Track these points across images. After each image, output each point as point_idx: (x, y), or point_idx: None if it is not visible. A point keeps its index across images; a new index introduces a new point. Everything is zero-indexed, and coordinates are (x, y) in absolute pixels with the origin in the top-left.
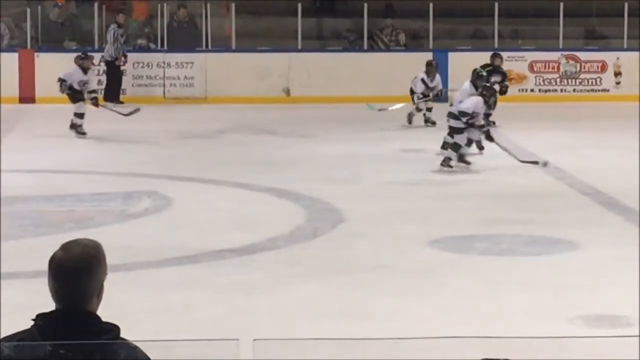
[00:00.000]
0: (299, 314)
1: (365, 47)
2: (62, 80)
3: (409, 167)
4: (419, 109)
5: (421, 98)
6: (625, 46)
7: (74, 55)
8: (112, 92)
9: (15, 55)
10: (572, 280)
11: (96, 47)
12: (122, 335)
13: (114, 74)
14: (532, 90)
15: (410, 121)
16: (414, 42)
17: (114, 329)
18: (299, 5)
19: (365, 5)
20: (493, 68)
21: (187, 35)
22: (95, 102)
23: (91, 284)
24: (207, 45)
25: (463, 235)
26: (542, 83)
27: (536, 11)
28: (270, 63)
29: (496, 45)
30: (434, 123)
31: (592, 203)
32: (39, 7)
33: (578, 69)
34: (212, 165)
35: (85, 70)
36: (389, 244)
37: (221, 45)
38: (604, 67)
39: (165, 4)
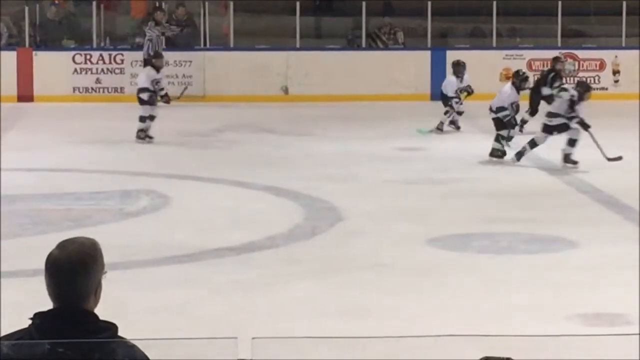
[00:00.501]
0: (297, 312)
1: (364, 45)
2: (142, 90)
3: (407, 165)
4: (459, 113)
5: (458, 101)
6: (623, 44)
7: (72, 53)
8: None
9: (14, 53)
10: (571, 279)
11: (94, 45)
12: (121, 333)
13: None
14: (530, 89)
15: (441, 129)
16: (412, 41)
17: (111, 327)
18: (298, 3)
19: (364, 3)
20: (555, 73)
21: (185, 33)
22: (167, 100)
23: (87, 283)
24: (205, 44)
25: (462, 234)
26: None
27: (534, 9)
28: (268, 61)
29: (494, 44)
30: (458, 127)
31: (591, 201)
32: (37, 6)
33: (576, 67)
34: (211, 164)
35: (157, 69)
36: (388, 243)
37: (220, 43)
38: (602, 66)
39: (163, 3)
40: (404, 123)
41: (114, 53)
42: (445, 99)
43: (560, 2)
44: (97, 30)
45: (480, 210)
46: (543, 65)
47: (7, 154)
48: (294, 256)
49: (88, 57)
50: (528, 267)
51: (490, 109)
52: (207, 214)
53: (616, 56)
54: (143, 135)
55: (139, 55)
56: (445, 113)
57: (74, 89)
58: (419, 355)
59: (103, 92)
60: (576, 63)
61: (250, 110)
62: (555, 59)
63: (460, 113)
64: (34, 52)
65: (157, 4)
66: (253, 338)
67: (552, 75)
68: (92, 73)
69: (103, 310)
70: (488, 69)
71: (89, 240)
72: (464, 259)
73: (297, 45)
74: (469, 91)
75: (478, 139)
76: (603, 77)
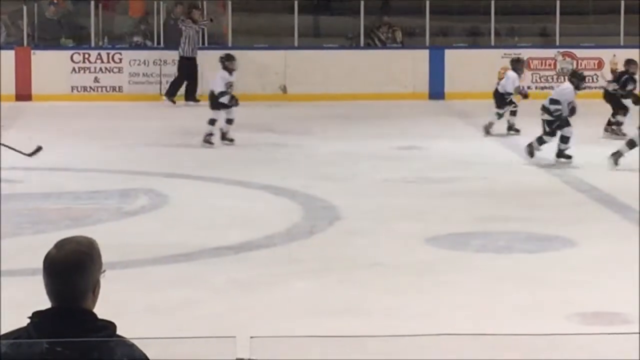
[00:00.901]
0: (296, 311)
1: (362, 44)
2: (221, 94)
3: (405, 164)
4: (513, 113)
5: (510, 101)
6: (621, 43)
7: (70, 52)
8: (190, 90)
9: (12, 52)
10: (569, 277)
11: (92, 44)
12: (119, 332)
13: (190, 71)
14: (528, 88)
15: (488, 131)
16: (411, 40)
17: (109, 326)
18: (296, 2)
19: (362, 2)
20: (629, 76)
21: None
22: (236, 102)
23: (84, 282)
24: (203, 43)
25: (460, 233)
26: (538, 80)
27: (532, 8)
28: (267, 61)
29: (492, 43)
30: (517, 131)
31: (589, 200)
32: (35, 5)
33: (575, 66)
34: (209, 163)
35: (230, 72)
36: (386, 242)
37: (218, 42)
38: (600, 64)
39: (161, 2)
40: (402, 122)
41: (112, 52)
42: (501, 98)
43: (558, 2)
44: (95, 29)
45: (479, 209)
46: (541, 65)
47: (5, 153)
48: (293, 255)
49: (86, 56)
50: (526, 266)
51: (543, 108)
52: (205, 213)
53: (614, 55)
54: (207, 139)
55: (138, 55)
56: (512, 114)
57: (72, 88)
58: (418, 354)
59: (101, 91)
60: (574, 62)
61: (248, 109)
62: (629, 62)
63: (514, 113)
64: (32, 51)
65: (193, 3)
66: (251, 337)
67: (625, 78)
68: (90, 72)
69: (102, 309)
70: (486, 68)
71: (87, 239)
72: (462, 258)
73: (296, 45)
74: (524, 94)
75: (476, 137)
76: (601, 75)
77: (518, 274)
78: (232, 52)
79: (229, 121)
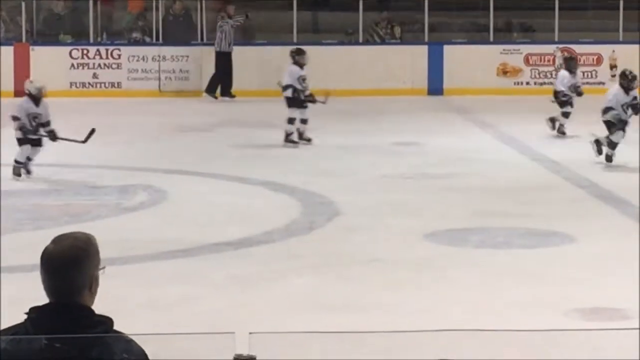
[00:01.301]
0: (295, 307)
1: (361, 40)
2: (286, 87)
3: (404, 160)
4: (565, 115)
5: (567, 102)
6: (620, 39)
7: (69, 48)
8: (225, 85)
9: (11, 48)
10: (568, 273)
11: (91, 40)
12: (119, 328)
13: (225, 66)
14: (527, 83)
15: (554, 126)
16: (410, 35)
17: (107, 322)
18: None
19: None
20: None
21: (182, 28)
22: (313, 99)
23: (80, 277)
24: (202, 39)
25: (459, 229)
26: (537, 76)
27: (531, 3)
28: (265, 56)
29: (491, 39)
30: (563, 133)
31: (588, 196)
32: (34, 0)
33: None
34: (208, 159)
35: (301, 66)
36: (385, 237)
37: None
38: (599, 60)
39: None
40: (401, 118)
41: (111, 48)
42: (556, 97)
43: None
44: (94, 25)
45: (477, 204)
46: (540, 60)
47: (4, 148)
48: (292, 251)
49: (85, 52)
50: (525, 262)
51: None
52: (204, 209)
53: (613, 51)
54: (289, 139)
55: (136, 51)
56: (564, 115)
57: (70, 84)
58: (417, 349)
59: (100, 87)
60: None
61: (247, 105)
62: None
63: (566, 114)
64: (30, 47)
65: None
66: (250, 333)
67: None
68: (89, 68)
69: (101, 305)
70: (485, 64)
71: (84, 235)
72: (460, 254)
73: (294, 40)
74: (579, 92)
75: (474, 133)
76: (600, 71)
77: (517, 270)
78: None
79: (304, 121)
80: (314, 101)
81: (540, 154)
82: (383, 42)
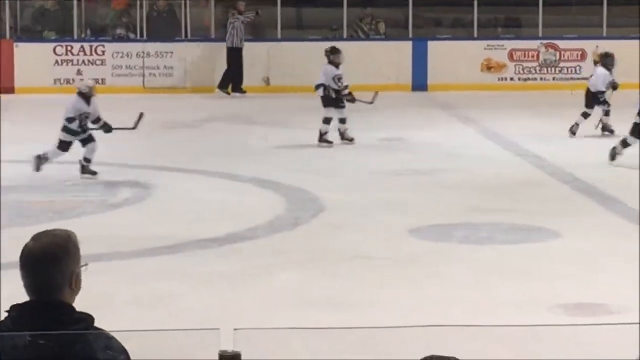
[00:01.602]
0: (280, 303)
1: (345, 36)
2: (318, 86)
3: (389, 156)
4: (606, 113)
5: (604, 101)
6: (604, 34)
7: (53, 45)
8: (236, 81)
9: None
10: (553, 269)
11: (75, 37)
12: (104, 325)
13: (236, 62)
14: (511, 79)
15: (574, 132)
16: (394, 31)
17: (87, 319)
18: None
19: None
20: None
21: (166, 25)
22: (352, 98)
23: (59, 274)
24: (186, 35)
25: (445, 224)
26: (521, 72)
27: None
28: (250, 52)
29: (476, 34)
30: (612, 131)
31: (573, 192)
32: None
33: (557, 57)
34: (193, 155)
35: (337, 65)
36: (370, 234)
37: (201, 35)
38: (583, 56)
39: None
40: (385, 114)
41: (95, 44)
42: (594, 97)
43: None
44: (78, 21)
45: (463, 201)
46: (524, 56)
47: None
48: (277, 247)
49: (69, 48)
50: (509, 257)
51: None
52: (190, 206)
53: (597, 46)
54: (323, 139)
55: (120, 47)
56: (606, 114)
57: (55, 81)
58: (402, 345)
59: None
60: (557, 53)
61: (232, 101)
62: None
63: (607, 113)
64: (14, 44)
65: None
66: (235, 329)
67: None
68: (73, 64)
69: (86, 302)
70: (469, 60)
71: (64, 232)
72: (446, 250)
73: (279, 36)
74: (615, 87)
75: (459, 129)
76: (584, 67)
77: (502, 266)
78: (215, 44)
79: (342, 120)
80: (352, 100)
81: (525, 150)
82: (367, 38)
